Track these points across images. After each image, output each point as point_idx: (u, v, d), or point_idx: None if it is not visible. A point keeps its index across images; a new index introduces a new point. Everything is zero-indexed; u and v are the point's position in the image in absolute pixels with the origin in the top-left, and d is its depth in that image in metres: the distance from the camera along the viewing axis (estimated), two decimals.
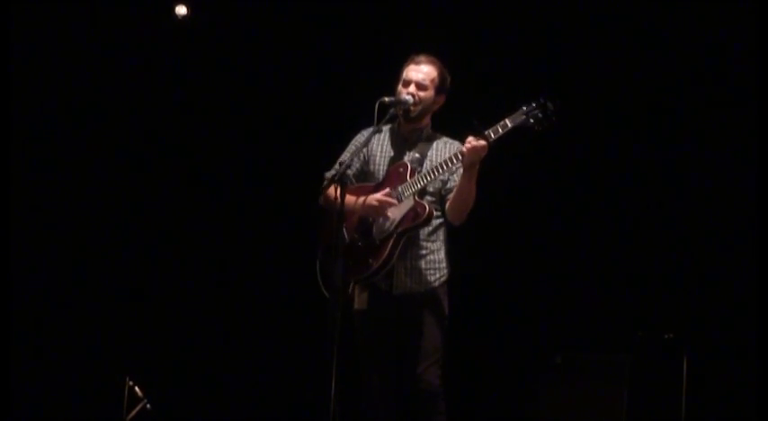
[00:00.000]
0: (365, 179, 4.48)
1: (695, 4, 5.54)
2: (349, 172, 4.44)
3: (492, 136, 4.10)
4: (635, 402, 5.38)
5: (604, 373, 5.47)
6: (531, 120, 4.09)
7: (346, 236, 4.36)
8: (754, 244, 4.98)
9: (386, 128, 4.49)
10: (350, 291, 4.38)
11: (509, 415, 5.80)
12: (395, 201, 4.31)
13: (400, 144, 4.47)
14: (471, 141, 4.09)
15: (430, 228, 4.39)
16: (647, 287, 5.68)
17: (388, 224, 4.33)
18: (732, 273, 5.42)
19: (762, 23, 5.07)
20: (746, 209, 5.22)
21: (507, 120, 4.11)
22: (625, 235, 5.78)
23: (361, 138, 4.47)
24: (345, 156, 4.41)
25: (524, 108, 4.11)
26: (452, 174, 4.32)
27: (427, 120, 4.47)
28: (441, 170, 4.25)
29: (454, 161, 4.20)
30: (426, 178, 4.28)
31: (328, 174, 4.42)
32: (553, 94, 4.12)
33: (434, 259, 4.41)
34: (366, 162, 4.51)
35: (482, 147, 4.08)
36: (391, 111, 4.33)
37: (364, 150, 4.49)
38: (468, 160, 4.12)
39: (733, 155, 5.47)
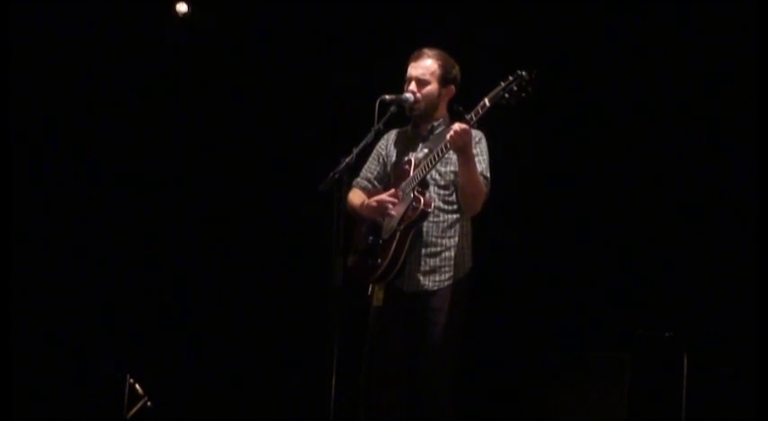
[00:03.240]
0: (387, 181, 4.50)
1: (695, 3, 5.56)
2: (369, 175, 4.52)
3: (473, 118, 4.09)
4: (635, 400, 5.38)
5: (605, 371, 5.48)
6: (507, 95, 4.04)
7: (363, 237, 4.39)
8: (755, 242, 4.98)
9: (405, 128, 4.50)
10: (369, 291, 4.40)
11: (510, 414, 5.80)
12: (393, 198, 4.32)
13: (414, 141, 4.47)
14: (454, 127, 4.08)
15: (444, 225, 4.35)
16: (648, 285, 5.68)
17: (393, 222, 4.32)
18: (732, 272, 5.42)
19: (762, 23, 5.07)
20: (746, 207, 5.22)
21: (486, 100, 4.08)
22: (625, 233, 5.78)
23: (383, 141, 4.49)
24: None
25: (502, 83, 4.07)
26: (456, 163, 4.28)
27: (440, 113, 4.44)
28: (434, 160, 4.23)
29: (443, 150, 4.18)
30: (423, 171, 4.27)
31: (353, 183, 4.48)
32: (529, 65, 4.09)
33: (449, 256, 4.35)
34: (384, 164, 4.52)
35: (463, 130, 4.06)
36: (392, 109, 4.32)
37: (383, 153, 4.52)
38: (455, 146, 4.11)
39: (733, 154, 5.47)
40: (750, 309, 5.00)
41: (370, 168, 4.55)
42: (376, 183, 4.53)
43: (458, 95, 4.44)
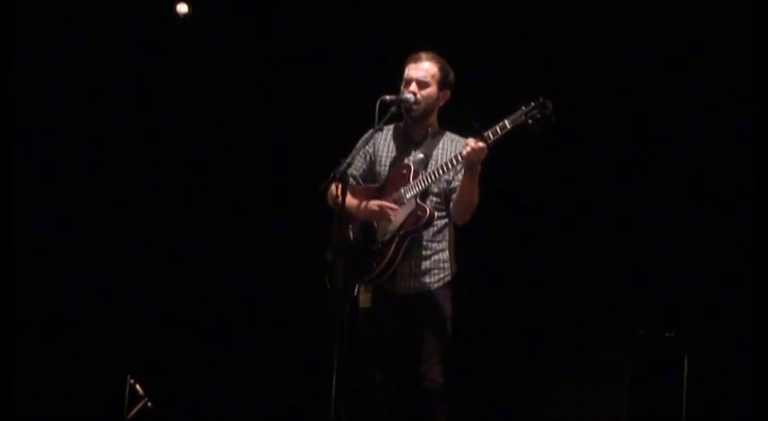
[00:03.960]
0: (372, 180, 4.49)
1: (696, 3, 5.55)
2: (355, 172, 4.47)
3: (491, 137, 4.09)
4: (636, 400, 5.38)
5: (606, 372, 5.48)
6: (530, 121, 4.08)
7: (351, 237, 4.38)
8: (755, 242, 4.97)
9: (392, 127, 4.49)
10: (355, 292, 4.40)
11: (510, 413, 5.80)
12: (395, 206, 4.32)
13: (406, 143, 4.46)
14: (471, 143, 4.09)
15: (434, 229, 4.38)
16: (649, 285, 5.68)
17: (390, 227, 4.33)
18: (733, 272, 5.42)
19: (762, 23, 5.07)
20: (747, 207, 5.22)
21: (506, 121, 4.11)
22: (626, 233, 5.78)
23: (368, 137, 4.48)
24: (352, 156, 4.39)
25: (523, 108, 4.10)
26: (457, 173, 4.30)
27: (433, 118, 4.46)
28: (442, 172, 4.25)
29: (455, 163, 4.20)
30: (428, 180, 4.28)
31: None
32: (552, 94, 4.11)
33: (439, 259, 4.40)
34: (372, 162, 4.51)
35: (481, 149, 4.08)
36: (392, 109, 4.32)
37: (370, 151, 4.50)
38: (468, 162, 4.13)
39: (734, 154, 5.47)
40: (750, 309, 4.99)
41: (356, 165, 4.50)
42: (360, 180, 4.52)
43: (450, 101, 4.45)
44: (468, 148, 4.09)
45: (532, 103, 4.10)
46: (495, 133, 4.10)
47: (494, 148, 4.29)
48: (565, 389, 5.59)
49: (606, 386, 5.46)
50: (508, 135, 4.11)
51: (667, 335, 5.47)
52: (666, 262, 5.66)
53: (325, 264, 4.29)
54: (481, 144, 4.08)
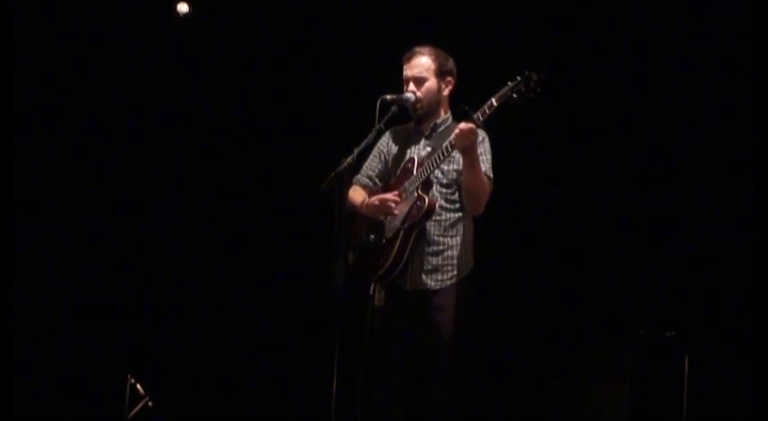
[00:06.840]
0: (389, 180, 4.50)
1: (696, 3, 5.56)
2: (371, 173, 4.52)
3: (480, 118, 4.05)
4: (637, 400, 5.38)
5: (606, 371, 5.47)
6: (515, 95, 4.01)
7: (364, 237, 4.38)
8: (755, 241, 4.97)
9: (406, 126, 4.49)
10: (371, 291, 4.39)
11: (510, 413, 5.80)
12: (396, 197, 4.31)
13: (417, 140, 4.47)
14: (460, 126, 4.06)
15: (447, 224, 4.35)
16: (649, 285, 5.68)
17: (396, 221, 4.32)
18: (733, 271, 5.42)
19: (762, 23, 5.07)
20: (747, 206, 5.22)
21: (493, 99, 4.05)
22: (627, 232, 5.78)
23: (384, 139, 4.49)
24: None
25: (509, 83, 4.04)
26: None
27: (443, 109, 4.45)
28: (439, 160, 4.22)
29: (449, 149, 4.16)
30: (427, 170, 4.26)
31: (354, 180, 4.45)
32: (536, 65, 4.07)
33: (451, 255, 4.36)
34: (386, 162, 4.52)
35: (470, 130, 4.03)
36: (393, 109, 4.32)
37: (384, 150, 4.52)
38: (460, 145, 4.08)
39: (734, 153, 5.47)
40: (751, 309, 4.99)
41: (371, 165, 4.55)
42: (377, 180, 4.54)
43: (459, 88, 4.44)
44: (457, 131, 4.06)
45: (518, 77, 4.03)
46: (483, 113, 4.05)
47: (496, 148, 4.31)
48: (565, 388, 5.59)
49: (607, 385, 5.45)
50: (497, 112, 4.05)
51: (668, 334, 5.46)
52: (667, 261, 5.66)
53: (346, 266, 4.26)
54: (470, 125, 4.03)
